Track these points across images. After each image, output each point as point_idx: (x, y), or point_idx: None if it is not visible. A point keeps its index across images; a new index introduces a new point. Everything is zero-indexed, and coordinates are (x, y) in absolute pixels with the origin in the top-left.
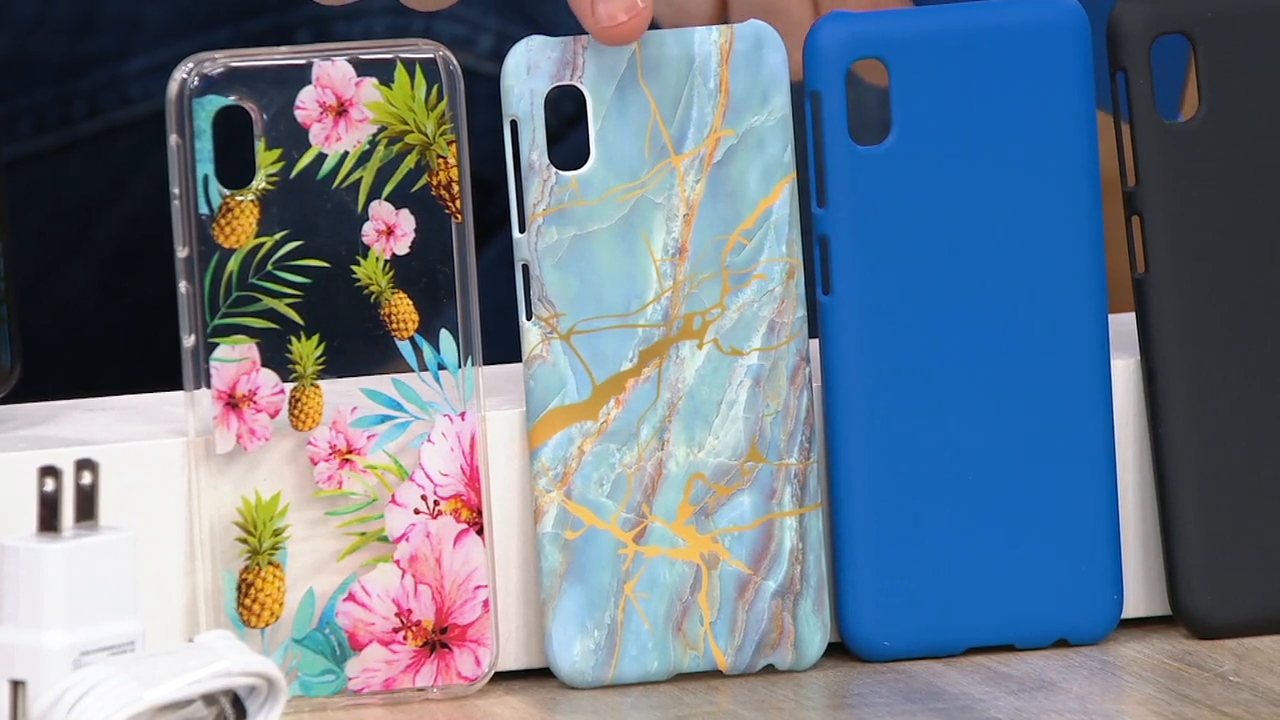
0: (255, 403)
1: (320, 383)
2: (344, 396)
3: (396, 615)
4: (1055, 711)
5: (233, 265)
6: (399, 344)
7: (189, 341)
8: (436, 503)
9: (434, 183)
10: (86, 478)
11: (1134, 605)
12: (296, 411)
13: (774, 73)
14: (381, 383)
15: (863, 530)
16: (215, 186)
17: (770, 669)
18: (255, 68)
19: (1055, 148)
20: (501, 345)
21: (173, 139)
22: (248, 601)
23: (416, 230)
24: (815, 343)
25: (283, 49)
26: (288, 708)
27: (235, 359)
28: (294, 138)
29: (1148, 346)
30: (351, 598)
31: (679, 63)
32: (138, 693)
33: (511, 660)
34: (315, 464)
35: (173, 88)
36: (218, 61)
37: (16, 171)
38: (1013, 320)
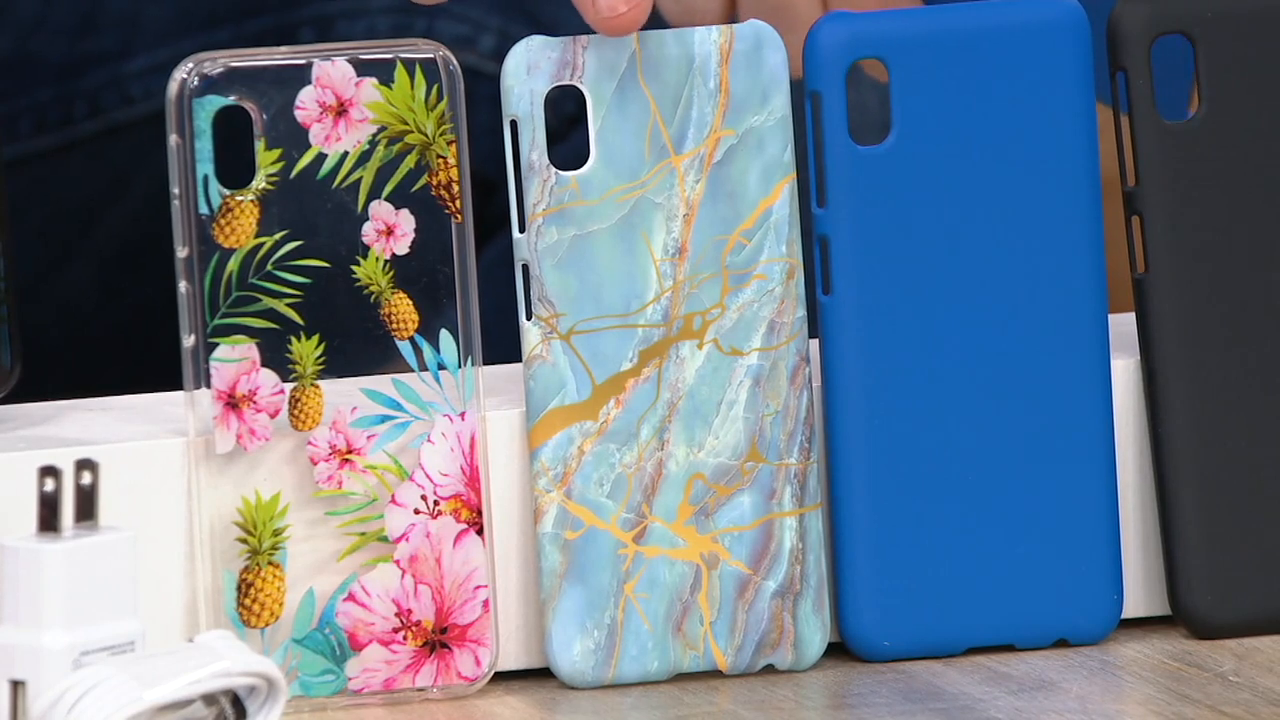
0: (255, 403)
1: (320, 383)
2: (344, 396)
3: (396, 615)
4: (1055, 711)
5: (233, 265)
6: (399, 344)
7: (189, 341)
8: (436, 503)
9: (434, 183)
10: (86, 478)
11: (1134, 605)
12: (296, 411)
13: (774, 73)
14: (381, 383)
15: (863, 530)
16: (215, 186)
17: (770, 669)
18: (255, 68)
19: (1055, 148)
20: (501, 345)
21: (173, 139)
22: (248, 601)
23: (416, 230)
24: (815, 343)
25: (282, 49)
26: (288, 708)
27: (235, 359)
28: (294, 138)
29: (1148, 346)
30: (351, 598)
31: (679, 63)
32: (138, 693)
33: (511, 660)
34: (315, 464)
35: (173, 88)
36: (218, 61)
37: (17, 171)
38: (1012, 320)
